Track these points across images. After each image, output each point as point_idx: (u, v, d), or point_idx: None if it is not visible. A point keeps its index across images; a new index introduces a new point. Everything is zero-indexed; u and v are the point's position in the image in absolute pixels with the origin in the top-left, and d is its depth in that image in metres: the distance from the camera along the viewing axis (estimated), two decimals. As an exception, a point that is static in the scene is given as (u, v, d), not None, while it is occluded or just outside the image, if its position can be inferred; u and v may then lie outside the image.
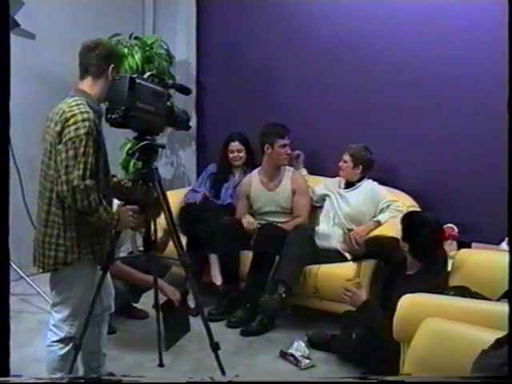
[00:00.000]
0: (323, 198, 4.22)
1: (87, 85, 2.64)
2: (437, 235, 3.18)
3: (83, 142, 2.41)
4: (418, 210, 3.92)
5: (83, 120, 2.43)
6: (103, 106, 2.72)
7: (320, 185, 4.30)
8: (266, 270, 3.85)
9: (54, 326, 2.69)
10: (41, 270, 2.65)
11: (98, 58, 2.62)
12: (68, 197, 2.41)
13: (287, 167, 4.27)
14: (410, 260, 3.17)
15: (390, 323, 2.53)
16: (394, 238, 3.40)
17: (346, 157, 4.10)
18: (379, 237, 3.68)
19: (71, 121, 2.43)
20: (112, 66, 2.61)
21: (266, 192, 4.25)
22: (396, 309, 2.52)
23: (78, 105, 2.49)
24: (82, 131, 2.41)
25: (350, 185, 4.13)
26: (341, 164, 4.13)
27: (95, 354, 2.87)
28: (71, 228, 2.52)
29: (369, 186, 4.07)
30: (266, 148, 4.19)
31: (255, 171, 4.34)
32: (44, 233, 2.54)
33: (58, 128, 2.45)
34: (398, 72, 4.30)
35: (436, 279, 3.02)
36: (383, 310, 3.02)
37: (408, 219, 3.27)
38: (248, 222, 4.07)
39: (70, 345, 2.66)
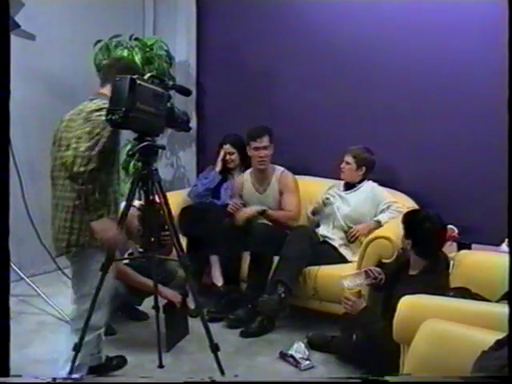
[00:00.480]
0: (325, 202, 4.18)
1: (107, 90, 2.80)
2: (439, 231, 3.18)
3: (101, 125, 2.62)
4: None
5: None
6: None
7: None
8: (264, 271, 3.85)
9: (78, 316, 2.78)
10: (56, 254, 2.84)
11: (119, 69, 2.80)
12: (69, 160, 2.60)
13: (277, 167, 4.23)
14: (413, 258, 3.17)
15: (390, 325, 2.53)
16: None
17: (349, 158, 4.06)
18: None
19: (96, 111, 2.68)
20: None
21: (256, 194, 4.24)
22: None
23: (104, 103, 2.69)
24: (103, 118, 2.58)
25: (350, 186, 4.10)
26: (342, 166, 4.09)
27: (97, 340, 2.95)
28: (83, 212, 2.69)
29: (369, 186, 4.06)
30: (247, 150, 4.24)
31: (247, 171, 4.33)
32: (59, 218, 2.76)
33: (82, 121, 2.68)
34: (398, 74, 4.30)
35: (439, 280, 3.02)
36: (386, 311, 3.01)
37: (410, 216, 3.26)
38: (232, 204, 4.10)
39: (96, 333, 2.79)
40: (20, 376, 1.50)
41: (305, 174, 4.47)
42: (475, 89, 4.00)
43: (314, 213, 4.19)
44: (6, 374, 1.49)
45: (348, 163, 4.06)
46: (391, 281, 3.24)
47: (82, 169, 2.57)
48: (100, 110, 2.65)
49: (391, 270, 3.33)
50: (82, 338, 2.72)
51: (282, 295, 3.57)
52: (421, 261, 3.14)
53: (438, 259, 3.15)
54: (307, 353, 3.31)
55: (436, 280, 3.01)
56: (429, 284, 2.93)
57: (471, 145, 4.06)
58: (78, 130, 2.65)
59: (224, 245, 4.00)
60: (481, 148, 4.00)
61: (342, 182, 4.16)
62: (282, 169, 4.23)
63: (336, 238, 3.97)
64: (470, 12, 3.99)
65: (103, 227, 2.68)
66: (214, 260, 4.05)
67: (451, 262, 3.17)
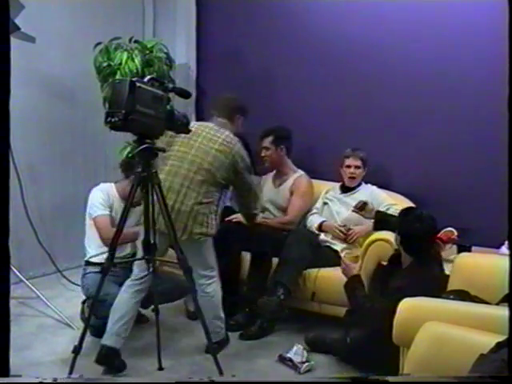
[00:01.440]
0: (323, 208, 4.17)
1: (225, 121, 3.47)
2: (429, 233, 3.21)
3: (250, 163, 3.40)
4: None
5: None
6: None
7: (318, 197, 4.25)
8: (264, 273, 3.86)
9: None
10: (185, 237, 3.14)
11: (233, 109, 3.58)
12: (253, 200, 3.52)
13: (300, 171, 4.30)
14: (403, 254, 3.23)
15: (390, 326, 2.53)
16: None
17: (358, 162, 4.01)
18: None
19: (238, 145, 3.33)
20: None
21: (272, 188, 4.34)
22: (391, 304, 2.57)
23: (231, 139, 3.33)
24: (248, 159, 3.37)
25: (347, 189, 4.09)
26: (352, 171, 4.02)
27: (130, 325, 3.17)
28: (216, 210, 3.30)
29: (368, 189, 4.06)
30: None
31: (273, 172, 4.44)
32: (200, 212, 3.20)
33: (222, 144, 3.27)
34: (396, 76, 4.30)
35: (428, 274, 3.08)
36: (383, 301, 3.08)
37: (403, 213, 3.33)
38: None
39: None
40: (20, 376, 1.50)
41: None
42: (475, 90, 4.00)
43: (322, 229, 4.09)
44: (6, 373, 1.49)
45: (358, 167, 4.02)
46: (387, 273, 3.31)
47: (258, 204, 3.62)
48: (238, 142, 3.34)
49: (387, 264, 3.39)
50: (81, 340, 2.73)
51: (282, 297, 3.57)
52: (408, 256, 3.19)
53: (425, 257, 3.18)
54: (306, 355, 3.30)
55: (425, 273, 3.08)
56: (418, 276, 3.03)
57: (471, 147, 4.07)
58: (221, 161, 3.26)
59: (222, 247, 3.99)
60: (480, 150, 4.01)
61: (338, 185, 4.14)
62: (302, 173, 4.30)
63: (337, 243, 3.96)
64: (469, 13, 4.00)
65: None
66: (213, 262, 4.05)
67: (451, 264, 3.18)
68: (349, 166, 4.06)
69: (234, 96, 3.70)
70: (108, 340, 3.12)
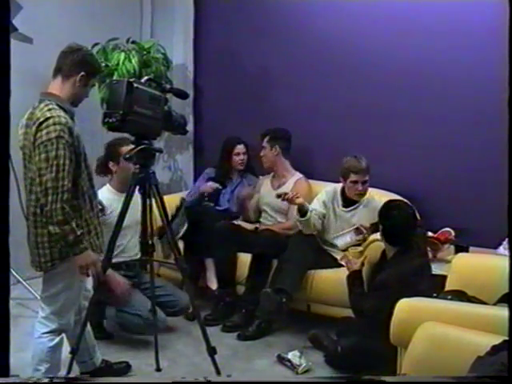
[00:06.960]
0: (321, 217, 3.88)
1: (57, 86, 2.64)
2: (409, 220, 3.24)
3: (54, 146, 2.44)
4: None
5: (54, 124, 2.45)
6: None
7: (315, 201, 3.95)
8: (265, 274, 3.83)
9: (44, 318, 2.69)
10: (39, 270, 2.66)
11: (72, 62, 2.61)
12: (41, 197, 2.46)
13: (298, 173, 4.29)
14: (387, 247, 3.28)
15: (382, 324, 2.55)
16: None
17: (366, 176, 3.76)
18: None
19: (43, 125, 2.46)
20: (82, 73, 2.59)
21: (271, 190, 4.29)
22: (379, 299, 2.57)
23: (49, 109, 2.50)
24: (53, 135, 2.44)
25: (350, 202, 3.85)
26: (361, 188, 3.75)
27: (86, 348, 2.92)
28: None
29: (371, 204, 3.83)
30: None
31: (271, 174, 4.42)
32: (35, 233, 2.57)
33: (34, 132, 2.48)
34: (395, 77, 4.28)
35: (409, 264, 3.11)
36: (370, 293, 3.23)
37: (383, 205, 3.38)
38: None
39: (59, 336, 2.69)
40: (17, 376, 1.50)
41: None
42: (473, 92, 3.99)
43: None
44: (6, 373, 1.49)
45: (366, 182, 3.80)
46: (376, 270, 3.34)
47: (57, 205, 2.43)
48: (46, 120, 2.46)
49: (377, 261, 3.43)
50: (78, 342, 2.72)
51: (283, 300, 3.50)
52: (391, 247, 3.25)
53: (407, 246, 3.22)
54: (303, 362, 3.27)
55: (408, 262, 3.13)
56: (402, 266, 3.10)
57: (468, 148, 4.06)
58: (34, 154, 2.49)
59: (219, 248, 3.99)
60: (478, 150, 4.00)
61: (339, 195, 3.90)
62: (301, 176, 4.28)
63: (338, 252, 3.87)
64: (469, 15, 3.99)
65: (87, 262, 2.55)
66: (210, 263, 4.05)
67: (448, 265, 3.19)
68: (355, 182, 3.76)
69: None
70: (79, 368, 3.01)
